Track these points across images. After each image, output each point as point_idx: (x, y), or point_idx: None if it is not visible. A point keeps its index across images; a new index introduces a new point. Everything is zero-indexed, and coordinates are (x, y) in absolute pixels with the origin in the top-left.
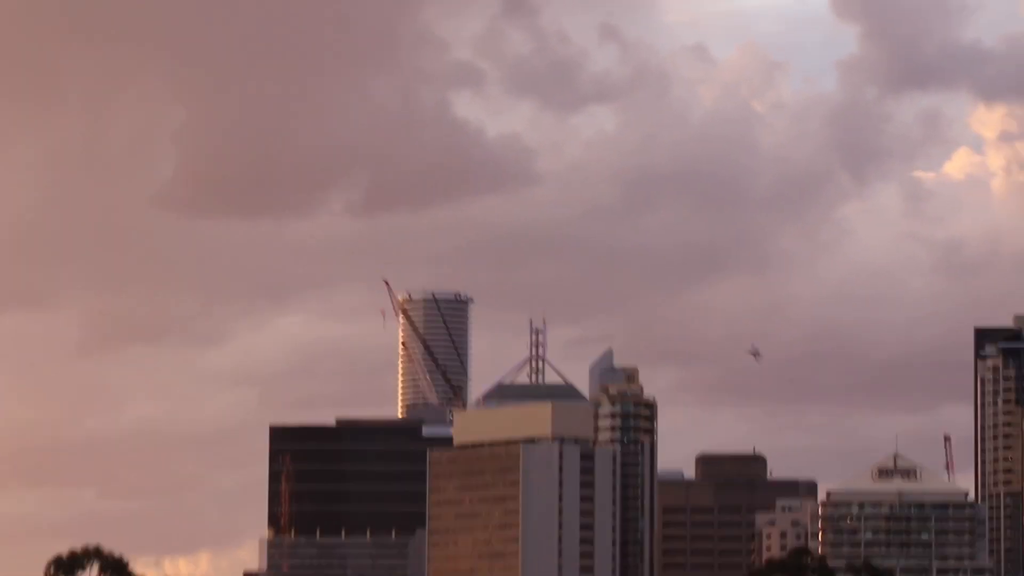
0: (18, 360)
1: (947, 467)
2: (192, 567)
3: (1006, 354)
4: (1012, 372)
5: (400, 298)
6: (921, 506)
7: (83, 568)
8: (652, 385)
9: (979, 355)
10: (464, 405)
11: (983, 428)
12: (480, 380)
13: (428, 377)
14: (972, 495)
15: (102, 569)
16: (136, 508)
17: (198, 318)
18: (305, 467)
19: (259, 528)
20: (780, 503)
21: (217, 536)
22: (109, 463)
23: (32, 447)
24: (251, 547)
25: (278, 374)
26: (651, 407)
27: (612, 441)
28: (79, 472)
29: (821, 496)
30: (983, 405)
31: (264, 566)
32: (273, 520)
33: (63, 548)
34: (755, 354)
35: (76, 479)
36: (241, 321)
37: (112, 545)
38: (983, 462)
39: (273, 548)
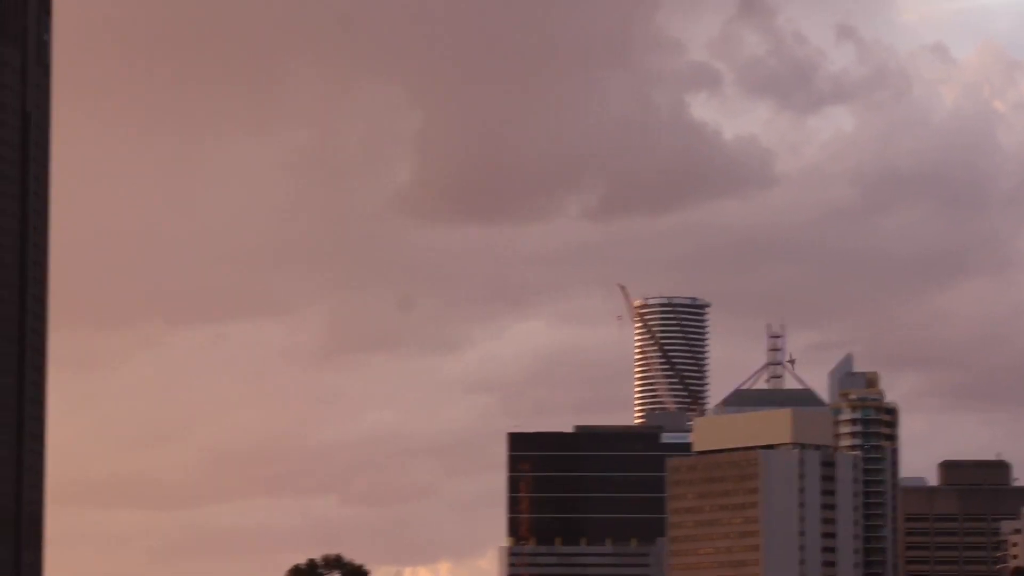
0: (259, 367)
1: None
2: None
3: None
4: None
5: (636, 303)
6: None
7: None
8: (893, 390)
9: None
10: (703, 411)
11: None
12: (718, 386)
13: (666, 383)
14: None
15: None
16: (376, 516)
17: (436, 324)
18: (544, 474)
19: (499, 537)
20: None
21: (457, 545)
22: (349, 470)
23: (273, 455)
24: (491, 556)
25: (516, 381)
26: (892, 413)
27: (853, 448)
28: (319, 480)
29: None
30: None
31: (503, 575)
32: (513, 528)
33: (303, 557)
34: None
35: (316, 487)
36: (479, 327)
37: (352, 554)
38: None
39: (513, 557)
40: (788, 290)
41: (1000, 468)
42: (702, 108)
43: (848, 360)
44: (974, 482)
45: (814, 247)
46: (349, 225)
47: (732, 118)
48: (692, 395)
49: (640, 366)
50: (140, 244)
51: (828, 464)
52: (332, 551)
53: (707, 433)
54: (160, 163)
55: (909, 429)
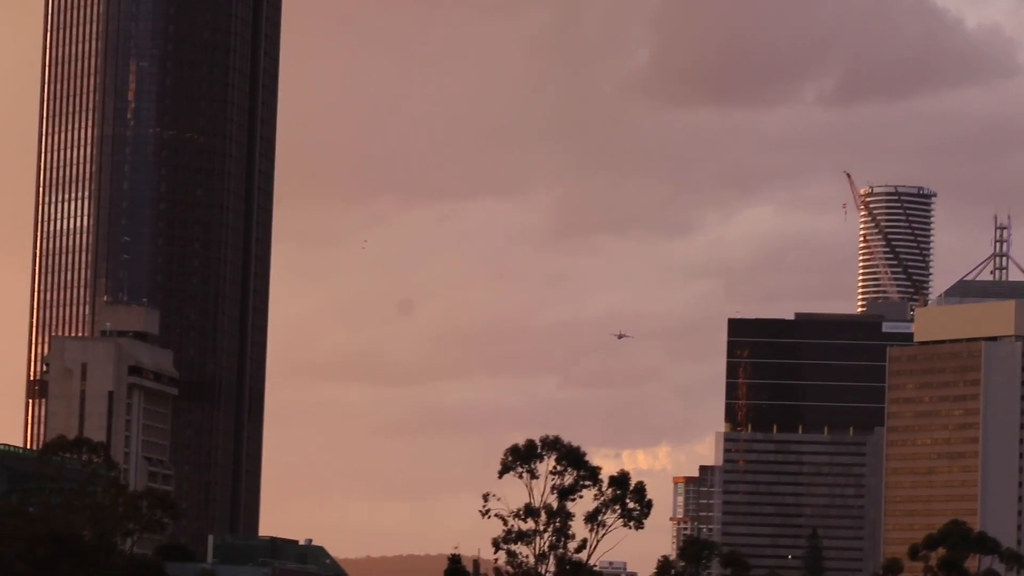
0: (487, 247)
1: None
2: (651, 460)
3: None
4: None
5: (862, 191)
6: None
7: (539, 458)
8: None
9: None
10: (925, 301)
11: None
12: (942, 276)
13: (889, 272)
14: None
15: (558, 460)
16: (597, 398)
17: (666, 208)
18: (763, 361)
19: (717, 422)
20: None
21: (676, 430)
22: (572, 352)
23: (499, 335)
24: (709, 442)
25: (742, 266)
26: None
27: None
28: (542, 360)
29: None
30: None
31: (720, 461)
32: (730, 414)
33: (523, 436)
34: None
35: (539, 367)
36: (709, 211)
37: (571, 435)
38: None
39: (729, 443)
40: (1020, 181)
41: None
42: None
43: None
44: None
45: None
46: (585, 106)
47: (975, 6)
48: (915, 285)
49: (864, 254)
50: (373, 120)
51: None
52: (551, 432)
53: (929, 323)
54: (396, 38)
55: None
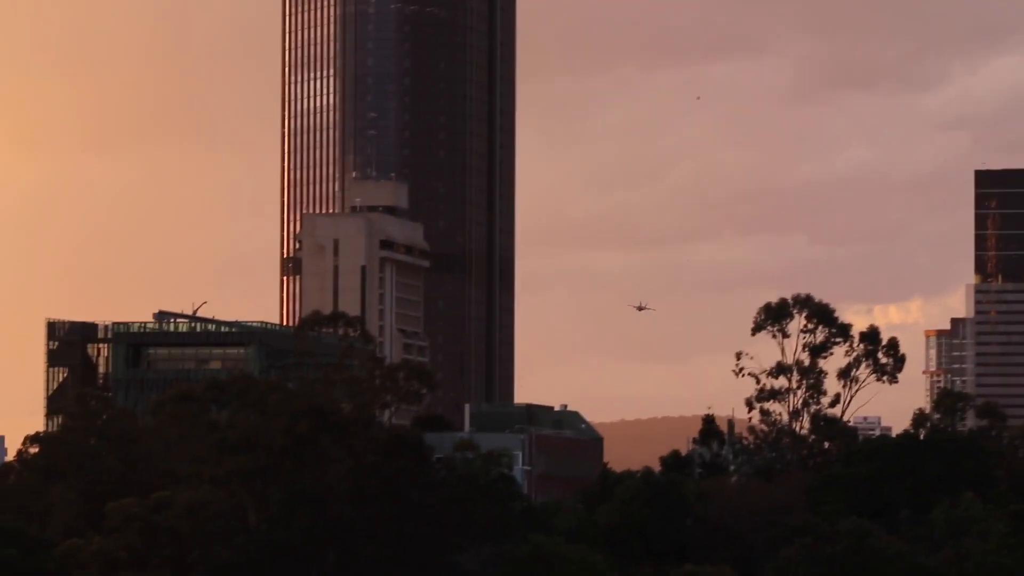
0: (733, 107)
1: None
2: (903, 314)
3: None
4: None
5: None
6: None
7: (790, 317)
8: None
9: None
10: None
11: None
12: None
13: None
14: None
15: (808, 318)
16: (847, 254)
17: (913, 61)
18: (1012, 211)
19: (967, 274)
20: None
21: (927, 283)
22: (821, 209)
23: (746, 194)
24: (959, 294)
25: (991, 118)
26: None
27: None
28: (791, 219)
29: None
30: None
31: (972, 313)
32: (980, 266)
33: (775, 295)
34: (641, 308)
35: (788, 226)
36: (956, 64)
37: (822, 292)
38: None
39: (980, 295)
40: None
41: None
42: None
43: None
44: None
45: None
46: None
47: None
48: None
49: None
50: None
51: None
52: (803, 290)
53: None
54: None
55: None
